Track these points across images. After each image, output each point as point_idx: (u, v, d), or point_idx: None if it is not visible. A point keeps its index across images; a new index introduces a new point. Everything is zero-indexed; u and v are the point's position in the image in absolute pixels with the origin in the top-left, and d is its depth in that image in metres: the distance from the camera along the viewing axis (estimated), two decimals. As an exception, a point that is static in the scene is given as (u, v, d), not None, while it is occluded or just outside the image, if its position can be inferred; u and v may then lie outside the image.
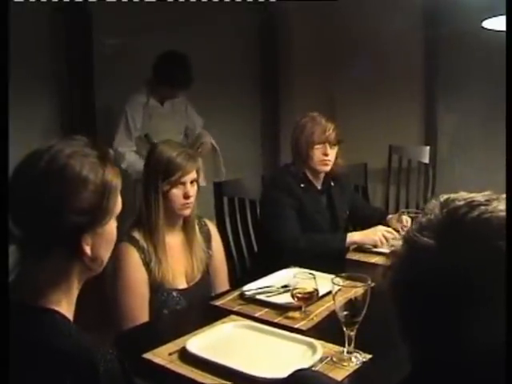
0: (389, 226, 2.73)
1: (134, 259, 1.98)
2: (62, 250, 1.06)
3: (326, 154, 2.67)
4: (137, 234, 2.01)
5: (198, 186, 2.12)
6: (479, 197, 0.82)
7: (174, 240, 2.12)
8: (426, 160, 4.26)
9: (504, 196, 0.82)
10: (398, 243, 0.85)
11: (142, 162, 3.22)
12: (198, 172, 2.10)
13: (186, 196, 2.06)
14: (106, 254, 1.14)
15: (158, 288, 2.04)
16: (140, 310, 1.99)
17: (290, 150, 2.82)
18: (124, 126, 3.42)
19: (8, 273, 1.04)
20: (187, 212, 2.10)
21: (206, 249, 2.21)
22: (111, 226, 1.13)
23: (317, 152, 2.67)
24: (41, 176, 1.05)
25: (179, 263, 2.11)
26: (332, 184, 2.84)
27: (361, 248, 2.63)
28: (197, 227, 2.19)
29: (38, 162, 1.06)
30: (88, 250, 1.07)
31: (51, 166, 1.06)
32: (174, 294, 2.07)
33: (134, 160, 3.34)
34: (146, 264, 2.01)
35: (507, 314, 0.74)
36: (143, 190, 2.08)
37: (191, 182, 2.07)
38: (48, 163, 1.06)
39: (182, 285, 2.11)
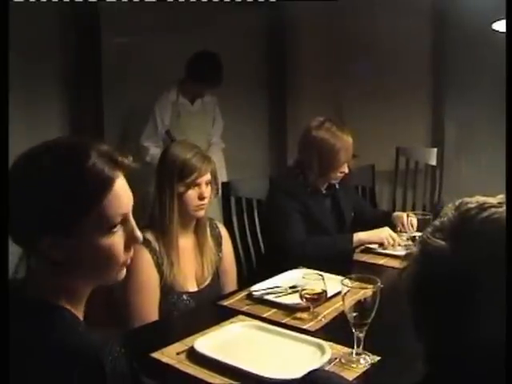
0: (394, 224, 2.74)
1: (145, 260, 1.99)
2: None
3: (344, 172, 2.70)
4: (149, 236, 2.00)
5: (212, 188, 2.11)
6: (492, 199, 0.84)
7: (185, 242, 2.11)
8: (434, 162, 4.25)
9: None
10: (413, 246, 0.88)
11: None
12: (212, 174, 2.10)
13: (201, 197, 2.05)
14: (98, 268, 1.07)
15: (168, 290, 2.04)
16: (150, 311, 1.99)
17: (296, 149, 2.81)
18: (151, 122, 3.51)
19: (7, 272, 1.03)
20: (201, 213, 2.09)
21: (216, 251, 2.20)
22: (98, 240, 1.03)
23: (337, 171, 2.69)
24: (17, 177, 1.04)
25: (190, 266, 2.11)
26: (337, 187, 2.84)
27: (368, 250, 2.62)
28: (208, 230, 2.19)
29: (19, 163, 1.05)
30: (55, 254, 1.02)
31: (26, 170, 1.04)
32: (185, 296, 2.07)
33: (157, 154, 3.37)
34: (158, 266, 2.02)
35: (507, 314, 0.75)
36: (157, 191, 2.06)
37: (206, 184, 2.07)
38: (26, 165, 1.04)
39: (193, 287, 2.11)
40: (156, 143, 3.50)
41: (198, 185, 2.05)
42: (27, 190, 1.02)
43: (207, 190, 2.07)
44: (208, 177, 2.07)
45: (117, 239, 1.06)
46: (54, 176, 1.01)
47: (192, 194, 2.04)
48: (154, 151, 3.44)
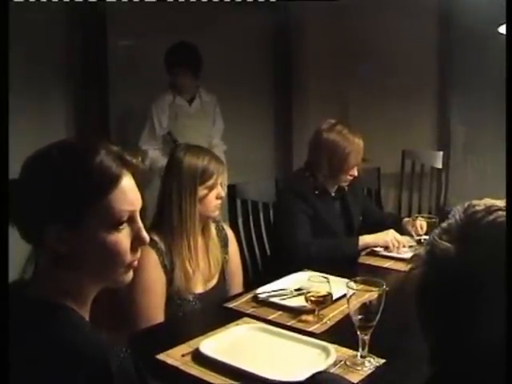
0: (403, 230, 2.72)
1: (152, 260, 1.99)
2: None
3: (353, 175, 2.70)
4: (156, 237, 2.01)
5: (223, 187, 2.18)
6: (500, 203, 0.84)
7: (193, 243, 2.11)
8: (439, 165, 4.24)
9: None
10: (422, 247, 0.88)
11: (165, 159, 3.27)
12: (224, 174, 2.17)
13: (219, 197, 2.11)
14: (98, 263, 1.06)
15: (174, 292, 2.04)
16: (156, 312, 2.00)
17: (302, 151, 2.81)
18: (149, 125, 3.50)
19: (7, 271, 1.03)
20: (217, 213, 2.14)
21: (222, 253, 2.22)
22: (103, 235, 1.04)
23: (347, 174, 2.69)
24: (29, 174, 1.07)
25: (196, 267, 2.11)
26: (346, 190, 2.83)
27: (373, 253, 2.62)
28: (214, 231, 2.21)
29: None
30: (61, 247, 1.03)
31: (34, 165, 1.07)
32: (191, 298, 2.07)
33: (156, 157, 3.43)
34: (164, 267, 2.02)
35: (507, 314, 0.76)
36: (175, 198, 2.05)
37: (221, 184, 2.13)
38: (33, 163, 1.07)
39: (199, 289, 2.12)
40: (155, 146, 3.50)
41: (216, 186, 2.10)
42: (36, 180, 1.04)
43: (223, 190, 2.14)
44: (222, 177, 2.13)
45: (123, 237, 1.07)
46: (61, 168, 1.04)
47: (212, 195, 2.09)
48: (153, 154, 3.46)
